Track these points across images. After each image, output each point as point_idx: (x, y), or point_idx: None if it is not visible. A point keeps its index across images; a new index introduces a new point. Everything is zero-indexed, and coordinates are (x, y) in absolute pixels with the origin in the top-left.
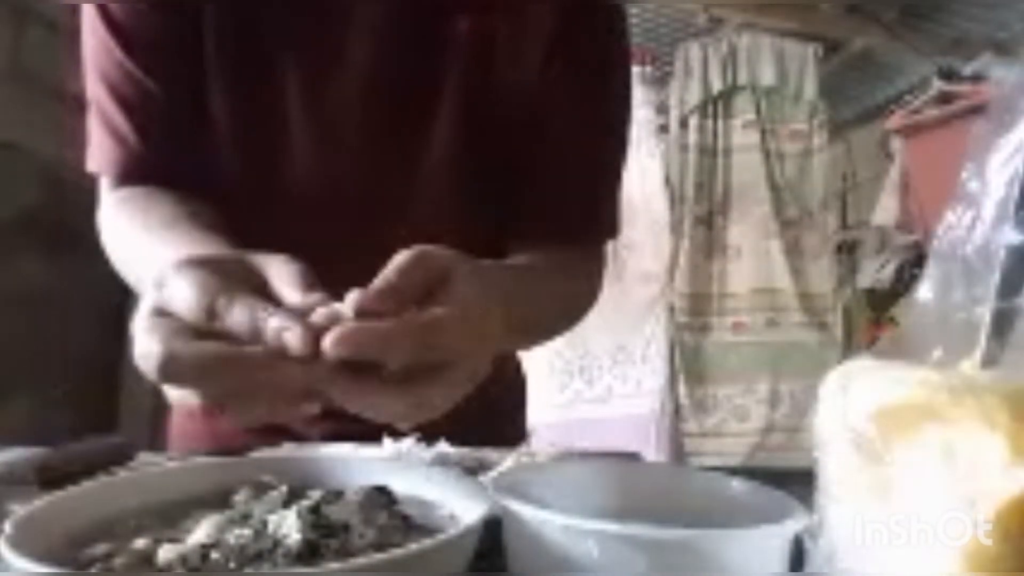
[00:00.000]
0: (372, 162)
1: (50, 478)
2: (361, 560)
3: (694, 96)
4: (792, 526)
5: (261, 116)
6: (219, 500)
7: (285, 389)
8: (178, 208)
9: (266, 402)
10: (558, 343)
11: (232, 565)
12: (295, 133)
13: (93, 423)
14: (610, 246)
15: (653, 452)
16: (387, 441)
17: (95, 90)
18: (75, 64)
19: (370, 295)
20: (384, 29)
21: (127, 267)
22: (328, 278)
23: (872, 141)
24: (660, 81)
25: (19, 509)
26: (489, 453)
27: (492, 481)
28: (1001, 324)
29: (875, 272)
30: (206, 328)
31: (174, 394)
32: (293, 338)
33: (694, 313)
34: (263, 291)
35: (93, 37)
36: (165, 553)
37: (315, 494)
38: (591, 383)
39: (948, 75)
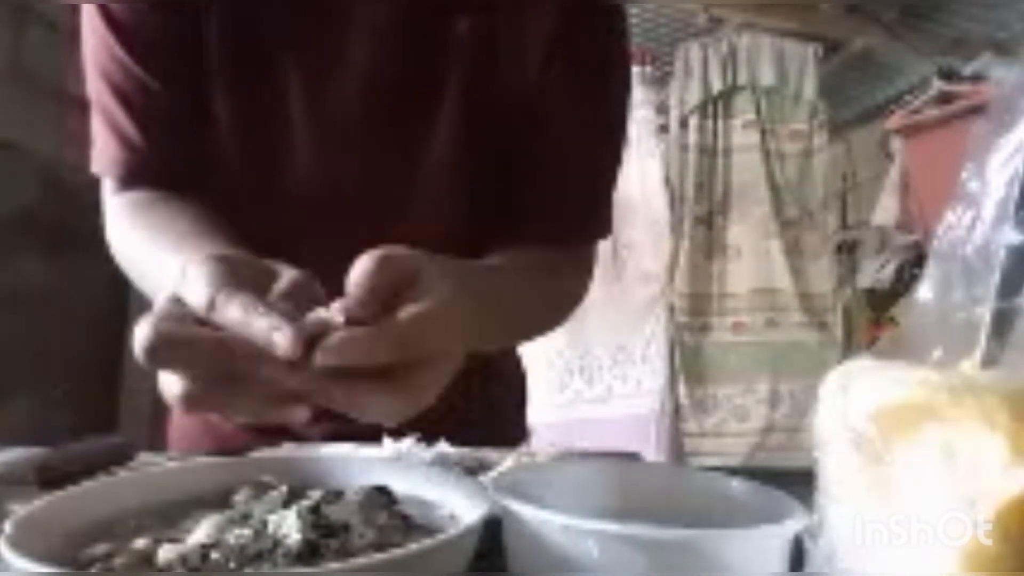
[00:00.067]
0: (372, 162)
1: (50, 478)
2: (361, 560)
3: (694, 96)
4: (792, 526)
5: (262, 116)
6: (219, 500)
7: (270, 385)
8: (191, 219)
9: (251, 398)
10: (558, 343)
11: (232, 565)
12: (296, 133)
13: (93, 423)
14: (610, 246)
15: (653, 452)
16: (387, 441)
17: (97, 90)
18: (75, 64)
19: (357, 305)
20: (385, 29)
21: (140, 277)
22: (329, 277)
23: (872, 141)
24: (660, 81)
25: (19, 509)
26: (489, 453)
27: (492, 481)
28: (1001, 324)
29: (875, 272)
30: (206, 320)
31: (170, 392)
32: (282, 339)
33: (694, 313)
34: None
35: (94, 36)
36: (165, 553)
37: (315, 494)
38: (591, 383)
39: (948, 75)
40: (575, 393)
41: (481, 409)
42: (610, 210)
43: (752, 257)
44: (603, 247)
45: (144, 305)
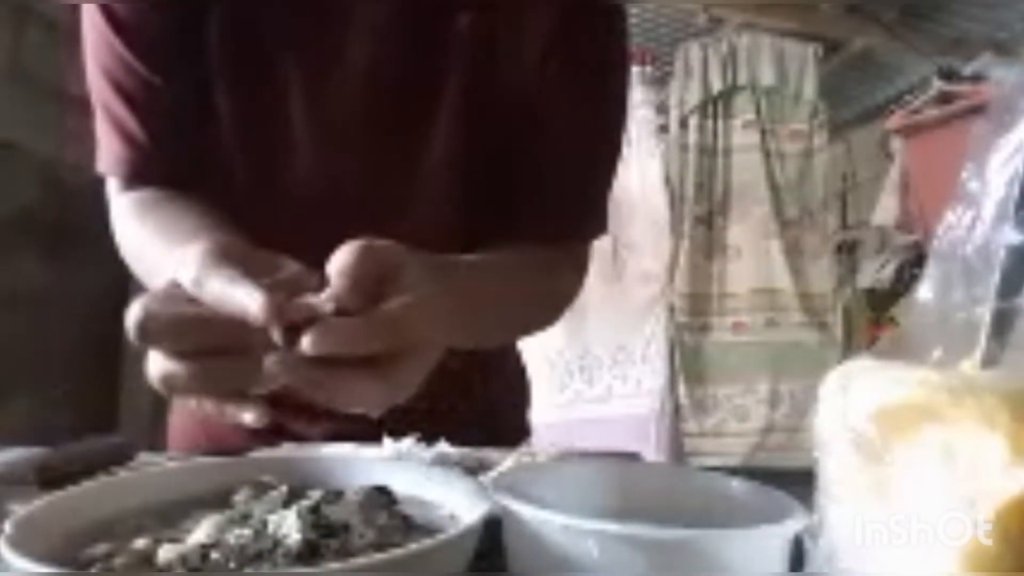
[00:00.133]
0: (372, 160)
1: (50, 478)
2: (361, 560)
3: (694, 96)
4: (792, 526)
5: (263, 114)
6: (219, 500)
7: (249, 375)
8: (196, 216)
9: (225, 385)
10: (558, 343)
11: (232, 565)
12: (296, 131)
13: (93, 423)
14: (610, 246)
15: (653, 452)
16: (387, 441)
17: (99, 89)
18: (75, 64)
19: (344, 293)
20: (384, 28)
21: (148, 275)
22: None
23: (872, 141)
24: (660, 81)
25: (19, 509)
26: (489, 453)
27: (492, 481)
28: (1001, 324)
29: (875, 272)
30: (195, 298)
31: (152, 372)
32: (255, 305)
33: (694, 313)
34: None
35: (95, 35)
36: (165, 553)
37: (315, 494)
38: (591, 383)
39: (948, 75)
40: (575, 393)
41: (481, 409)
42: (606, 209)
43: (752, 257)
44: (603, 247)
45: None
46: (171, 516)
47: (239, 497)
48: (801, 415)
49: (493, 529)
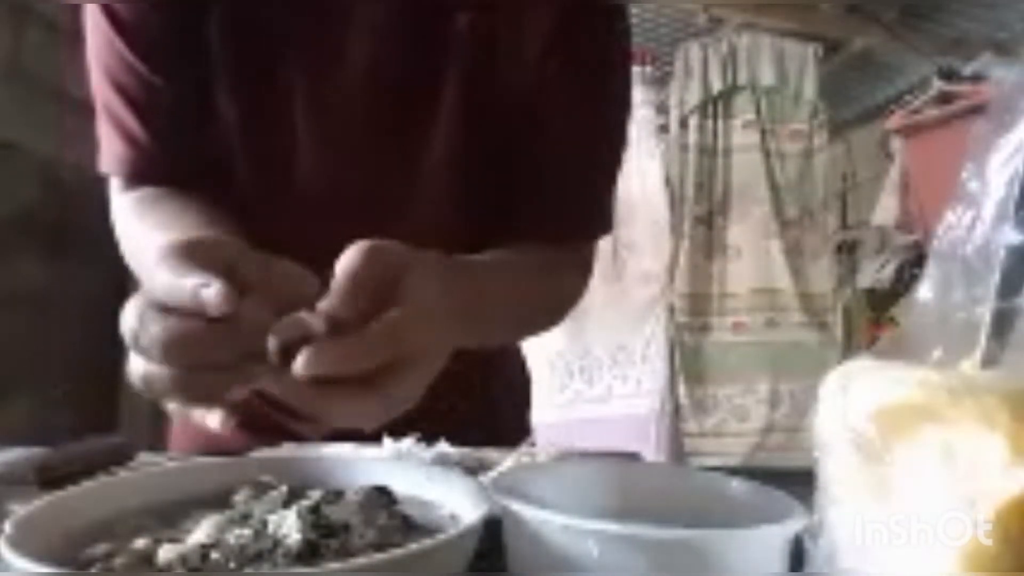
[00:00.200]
0: (373, 160)
1: (50, 478)
2: (361, 560)
3: (694, 96)
4: (792, 526)
5: (263, 114)
6: (219, 500)
7: (227, 383)
8: (196, 214)
9: (203, 391)
10: (559, 343)
11: (232, 565)
12: (297, 131)
13: (93, 423)
14: (610, 246)
15: (653, 452)
16: (387, 441)
17: (101, 89)
18: (75, 64)
19: (340, 302)
20: (384, 27)
21: (145, 274)
22: (330, 275)
23: (872, 141)
24: (660, 81)
25: (19, 509)
26: (489, 453)
27: (492, 481)
28: (1001, 324)
29: (875, 272)
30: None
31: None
32: (211, 295)
33: (694, 313)
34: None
35: (97, 35)
36: (165, 553)
37: (315, 494)
38: (591, 383)
39: (948, 75)
40: (575, 393)
41: (481, 409)
42: (611, 208)
43: (752, 257)
44: (603, 247)
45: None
46: (171, 516)
47: (239, 497)
48: (801, 415)
49: (493, 529)
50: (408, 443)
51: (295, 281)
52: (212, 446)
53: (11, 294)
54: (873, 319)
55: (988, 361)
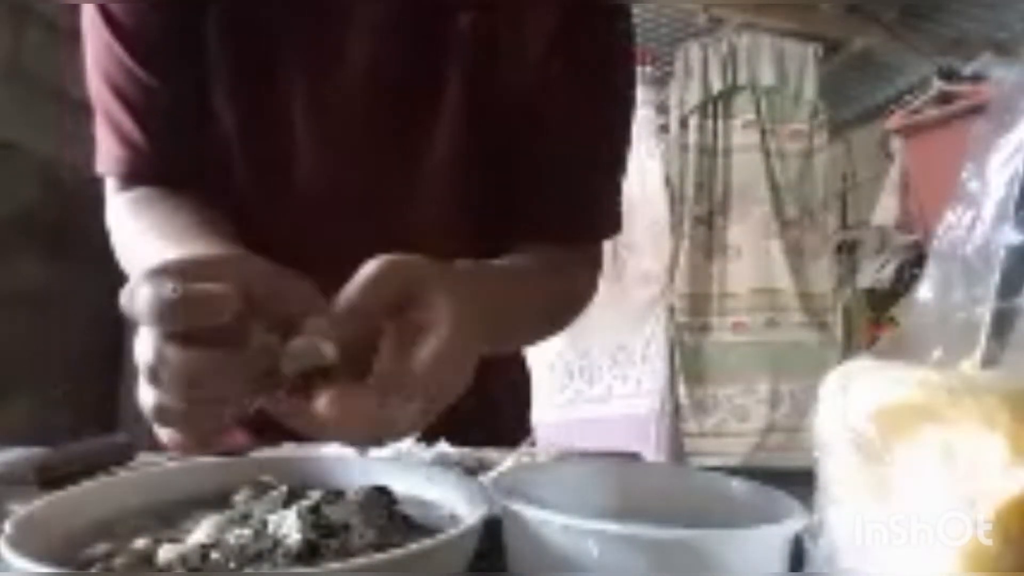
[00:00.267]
0: (374, 160)
1: (50, 478)
2: (361, 560)
3: (694, 96)
4: (792, 526)
5: (263, 115)
6: (219, 500)
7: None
8: (188, 212)
9: (214, 421)
10: (558, 343)
11: (232, 565)
12: (298, 133)
13: (93, 423)
14: (610, 246)
15: (653, 452)
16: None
17: (99, 90)
18: (75, 64)
19: (346, 311)
20: (385, 27)
21: (135, 271)
22: (332, 276)
23: (872, 141)
24: (660, 81)
25: (19, 509)
26: (489, 453)
27: (492, 481)
28: (1001, 324)
29: (875, 272)
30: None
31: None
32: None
33: (694, 313)
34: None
35: (94, 36)
36: (165, 553)
37: (315, 494)
38: (591, 383)
39: (948, 75)
40: (575, 393)
41: (481, 409)
42: (618, 208)
43: (752, 257)
44: (603, 247)
45: None
46: (171, 516)
47: (239, 497)
48: (801, 415)
49: (493, 529)
50: (408, 443)
51: (301, 297)
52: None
53: (11, 294)
54: (873, 319)
55: (988, 361)
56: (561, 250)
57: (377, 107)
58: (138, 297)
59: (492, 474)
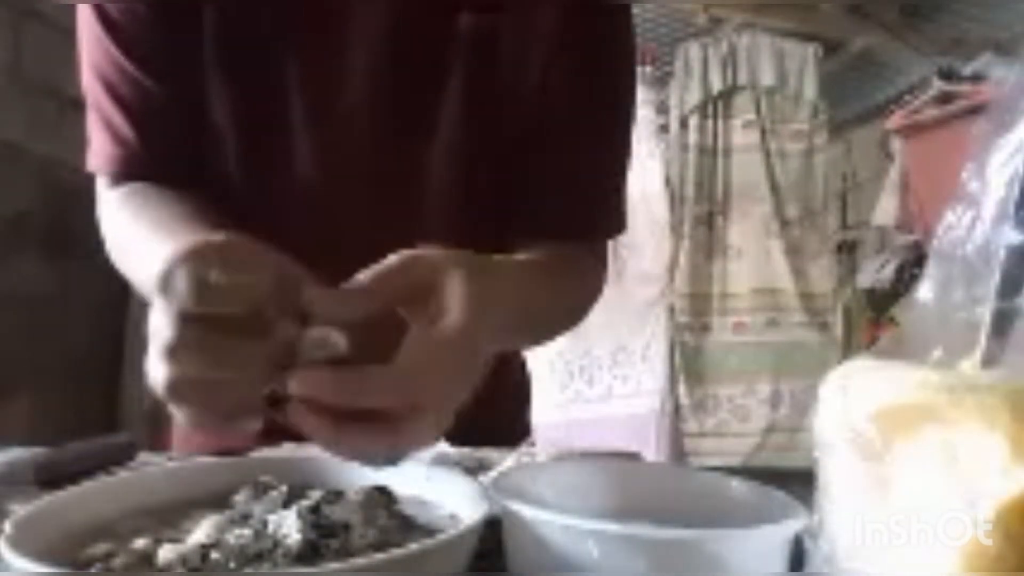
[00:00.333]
0: (375, 164)
1: (50, 478)
2: (361, 560)
3: (694, 96)
4: (792, 526)
5: (260, 114)
6: (219, 500)
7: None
8: (181, 207)
9: (227, 402)
10: (559, 343)
11: (232, 565)
12: (297, 135)
13: (93, 423)
14: (610, 246)
15: (653, 452)
16: None
17: (91, 88)
18: (75, 64)
19: (341, 299)
20: (386, 27)
21: (127, 265)
22: (330, 279)
23: (872, 141)
24: (660, 81)
25: (19, 509)
26: (489, 453)
27: (492, 481)
28: (1001, 324)
29: (875, 272)
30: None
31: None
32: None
33: (694, 313)
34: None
35: (88, 35)
36: (165, 553)
37: (315, 494)
38: (591, 383)
39: (948, 75)
40: (575, 393)
41: (481, 409)
42: (623, 206)
43: (752, 257)
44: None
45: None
46: (171, 516)
47: (239, 497)
48: (802, 415)
49: (493, 529)
50: None
51: (304, 285)
52: (213, 447)
53: (11, 294)
54: (873, 319)
55: (988, 361)
56: (569, 248)
57: (377, 109)
58: (177, 278)
59: (492, 474)
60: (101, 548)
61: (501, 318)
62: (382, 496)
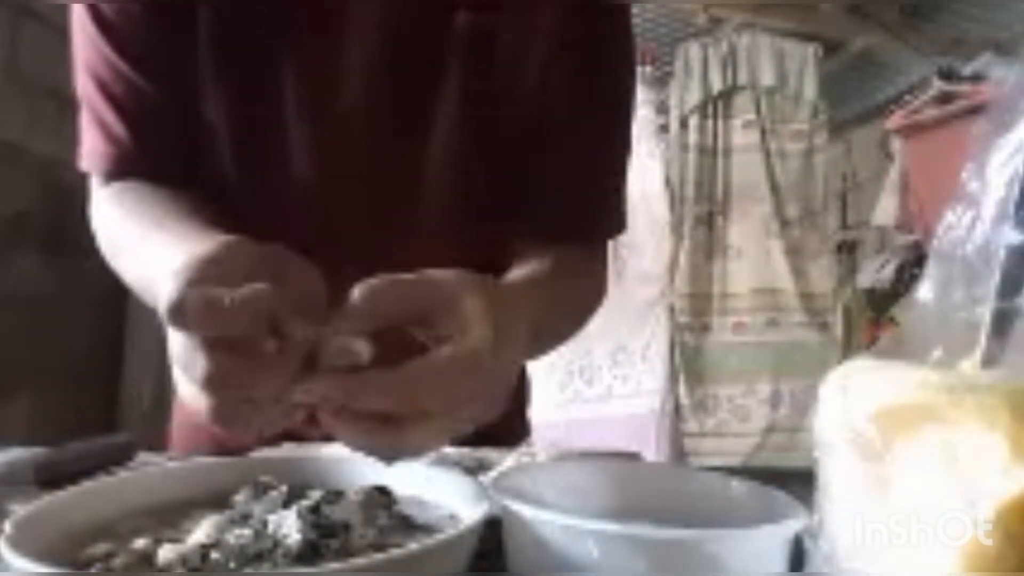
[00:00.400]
0: (372, 165)
1: (50, 478)
2: (361, 560)
3: (694, 96)
4: (792, 526)
5: (256, 116)
6: (219, 500)
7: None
8: (175, 204)
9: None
10: None
11: (232, 565)
12: (291, 133)
13: (93, 423)
14: (610, 246)
15: (653, 452)
16: None
17: (85, 87)
18: (73, 64)
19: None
20: (383, 26)
21: (120, 263)
22: (330, 278)
23: (872, 141)
24: (660, 81)
25: (19, 509)
26: (489, 453)
27: (492, 481)
28: (1001, 324)
29: (875, 272)
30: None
31: (184, 392)
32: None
33: (694, 313)
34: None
35: (82, 34)
36: (165, 553)
37: (315, 494)
38: (591, 383)
39: (948, 75)
40: (575, 393)
41: None
42: (621, 206)
43: (752, 257)
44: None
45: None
46: (171, 516)
47: (239, 497)
48: (802, 415)
49: (493, 529)
50: None
51: (308, 280)
52: (213, 447)
53: (11, 294)
54: (873, 319)
55: (988, 361)
56: (570, 250)
57: (374, 108)
58: (189, 308)
59: (492, 474)
60: (101, 548)
61: (519, 337)
62: (382, 496)
